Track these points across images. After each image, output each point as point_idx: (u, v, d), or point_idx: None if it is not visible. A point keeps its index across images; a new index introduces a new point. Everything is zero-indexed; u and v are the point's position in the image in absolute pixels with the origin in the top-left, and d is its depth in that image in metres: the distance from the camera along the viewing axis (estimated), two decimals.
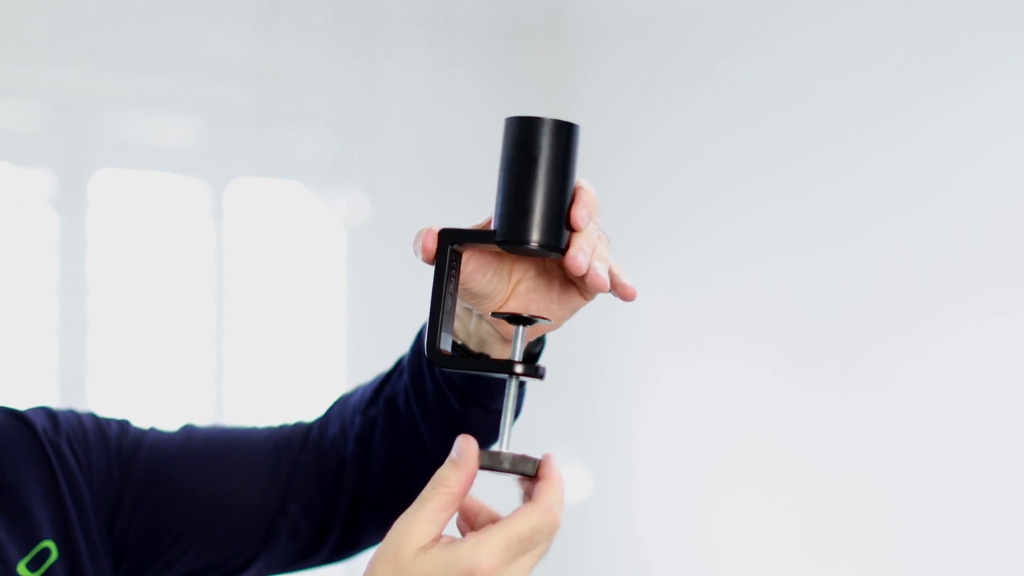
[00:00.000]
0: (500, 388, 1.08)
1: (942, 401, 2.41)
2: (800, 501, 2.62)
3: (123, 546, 1.15)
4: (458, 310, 1.06)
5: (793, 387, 2.62)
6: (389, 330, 2.65)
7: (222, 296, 2.69)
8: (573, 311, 1.04)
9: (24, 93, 2.50)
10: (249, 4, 2.68)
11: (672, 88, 2.84)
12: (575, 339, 2.82)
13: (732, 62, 2.73)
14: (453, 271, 0.97)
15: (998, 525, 2.36)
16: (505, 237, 0.95)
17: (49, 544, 1.09)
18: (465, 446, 0.90)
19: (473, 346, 1.07)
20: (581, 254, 0.94)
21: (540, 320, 0.96)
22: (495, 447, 0.93)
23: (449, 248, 0.96)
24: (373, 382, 1.20)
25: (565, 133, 0.95)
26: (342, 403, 1.22)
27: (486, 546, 0.86)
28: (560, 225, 0.95)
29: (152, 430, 1.20)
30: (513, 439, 0.94)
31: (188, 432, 1.20)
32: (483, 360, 0.99)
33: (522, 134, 0.95)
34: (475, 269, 1.00)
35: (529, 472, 0.91)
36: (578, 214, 0.95)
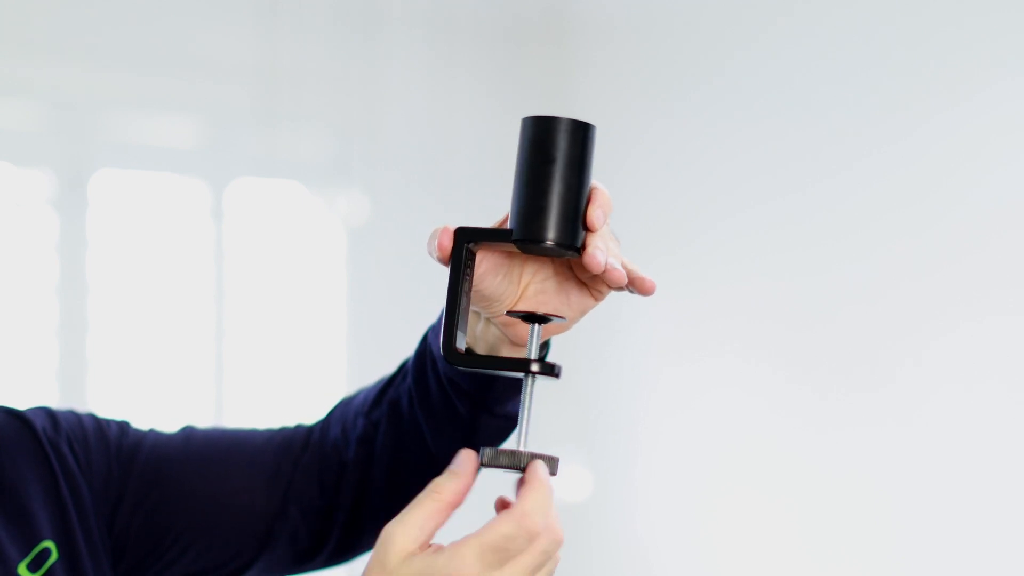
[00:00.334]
0: (505, 393, 1.08)
1: (942, 401, 2.41)
2: (800, 501, 2.62)
3: (122, 546, 1.15)
4: None
5: (793, 387, 2.62)
6: (389, 330, 2.65)
7: (222, 296, 2.69)
8: (583, 313, 1.04)
9: (24, 93, 2.50)
10: (249, 4, 2.68)
11: (672, 88, 2.84)
12: (576, 339, 2.82)
13: (732, 62, 2.73)
14: (468, 270, 0.97)
15: (998, 525, 2.36)
16: (522, 236, 0.95)
17: (49, 544, 1.09)
18: (464, 458, 0.91)
19: (481, 350, 1.07)
20: (599, 252, 0.95)
21: (555, 318, 0.97)
22: (511, 445, 0.93)
23: (465, 247, 0.97)
24: (376, 385, 1.19)
25: (582, 133, 0.96)
26: (344, 406, 1.22)
27: (462, 557, 0.87)
28: (577, 224, 0.96)
29: (152, 431, 1.20)
30: (512, 439, 0.94)
31: (188, 433, 1.20)
32: (499, 359, 0.99)
33: (539, 134, 0.96)
34: (486, 271, 1.01)
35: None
36: (594, 214, 0.96)
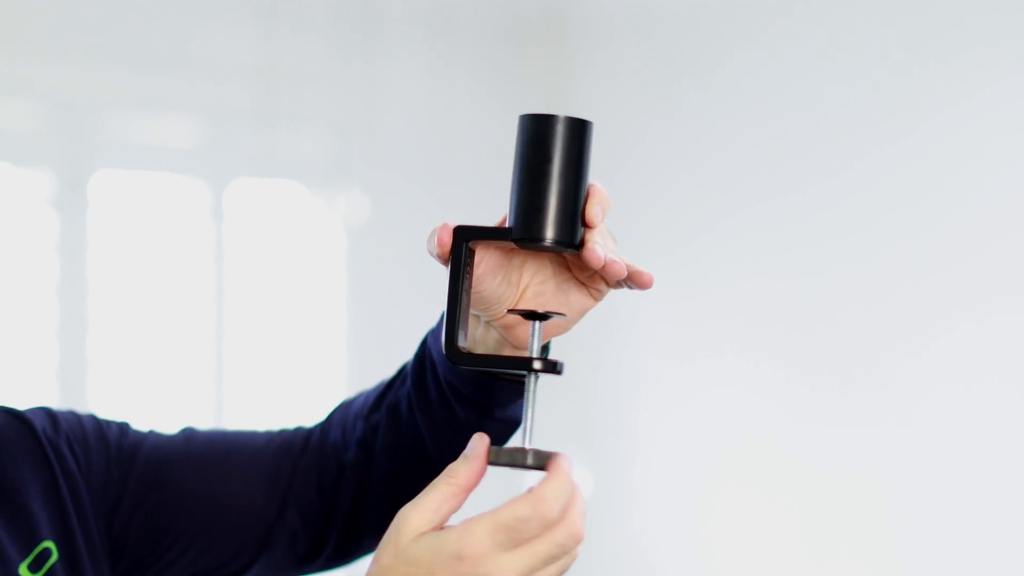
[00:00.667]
0: (505, 398, 1.08)
1: (942, 401, 2.41)
2: (800, 501, 2.62)
3: (122, 547, 1.15)
4: None
5: (793, 387, 2.63)
6: (389, 330, 2.65)
7: (222, 296, 2.69)
8: (582, 313, 1.04)
9: (24, 93, 2.50)
10: (249, 4, 2.68)
11: (672, 88, 2.84)
12: (575, 339, 2.82)
13: (732, 62, 2.73)
14: (468, 268, 0.98)
15: (998, 525, 2.36)
16: (521, 234, 0.96)
17: (49, 544, 1.09)
18: (478, 443, 0.91)
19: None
20: (598, 247, 0.96)
21: (555, 315, 0.97)
22: (516, 443, 0.94)
23: (464, 245, 0.97)
24: (376, 388, 1.19)
25: (579, 130, 0.96)
26: (344, 408, 1.22)
27: (472, 533, 0.87)
28: (575, 222, 0.96)
29: (152, 432, 1.20)
30: (516, 437, 0.95)
31: (188, 435, 1.20)
32: (502, 357, 0.99)
33: (537, 131, 0.96)
34: (485, 273, 1.01)
35: (539, 466, 0.92)
36: (593, 210, 0.96)
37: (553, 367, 0.95)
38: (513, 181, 0.97)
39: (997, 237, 2.35)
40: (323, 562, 1.22)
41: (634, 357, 2.90)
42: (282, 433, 1.22)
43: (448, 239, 0.97)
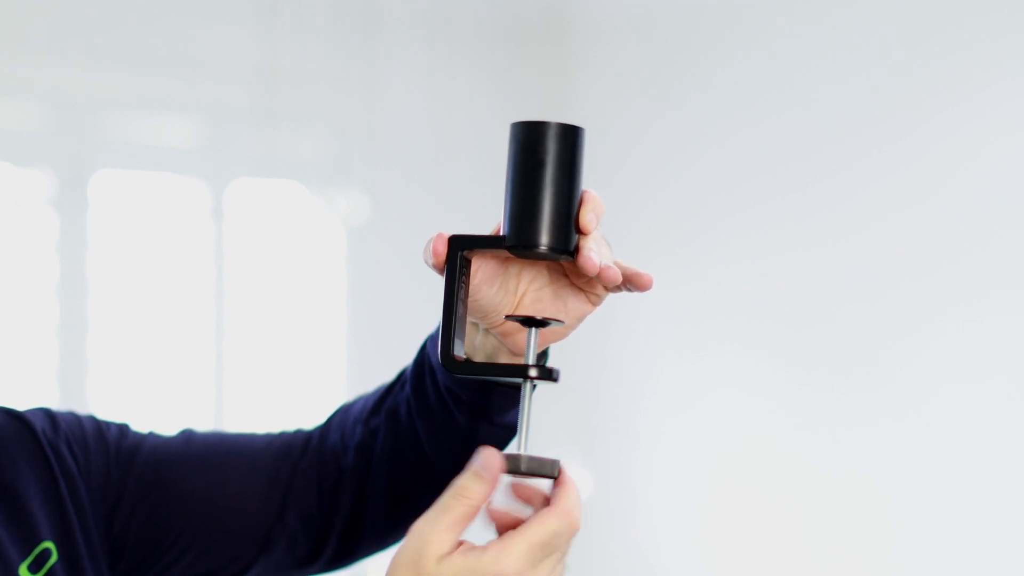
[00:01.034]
0: (504, 403, 1.08)
1: (942, 401, 2.41)
2: (800, 501, 2.62)
3: (121, 548, 1.15)
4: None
5: (793, 387, 2.63)
6: (389, 330, 2.65)
7: (222, 296, 2.69)
8: (580, 319, 1.04)
9: (24, 93, 2.50)
10: (249, 4, 2.68)
11: (672, 88, 2.84)
12: (575, 340, 2.82)
13: (732, 62, 2.73)
14: (463, 277, 0.97)
15: (998, 525, 2.36)
16: (515, 242, 0.96)
17: (49, 545, 1.09)
18: (489, 458, 0.91)
19: (479, 360, 1.07)
20: (593, 254, 0.96)
21: (553, 322, 0.97)
22: (512, 450, 0.93)
23: (459, 254, 0.97)
24: (375, 392, 1.19)
25: (571, 136, 0.96)
26: (343, 412, 1.21)
27: (510, 553, 0.88)
28: (569, 228, 0.96)
29: (151, 434, 1.20)
30: (512, 444, 0.94)
31: (187, 436, 1.20)
32: (498, 365, 0.99)
33: (529, 138, 0.95)
34: (482, 282, 1.01)
35: (550, 474, 0.92)
36: (587, 217, 0.96)
37: (549, 374, 0.95)
38: (506, 189, 0.96)
39: (997, 237, 2.35)
40: (322, 564, 1.21)
41: (634, 357, 2.90)
42: (281, 435, 1.22)
43: (443, 249, 0.97)
